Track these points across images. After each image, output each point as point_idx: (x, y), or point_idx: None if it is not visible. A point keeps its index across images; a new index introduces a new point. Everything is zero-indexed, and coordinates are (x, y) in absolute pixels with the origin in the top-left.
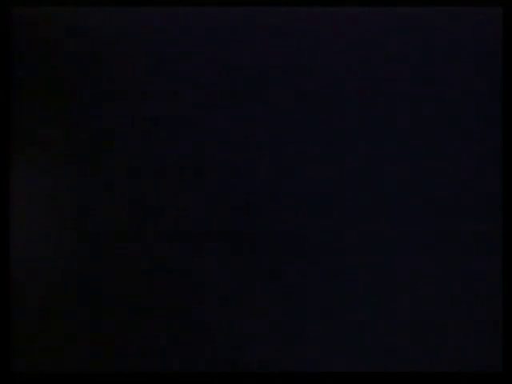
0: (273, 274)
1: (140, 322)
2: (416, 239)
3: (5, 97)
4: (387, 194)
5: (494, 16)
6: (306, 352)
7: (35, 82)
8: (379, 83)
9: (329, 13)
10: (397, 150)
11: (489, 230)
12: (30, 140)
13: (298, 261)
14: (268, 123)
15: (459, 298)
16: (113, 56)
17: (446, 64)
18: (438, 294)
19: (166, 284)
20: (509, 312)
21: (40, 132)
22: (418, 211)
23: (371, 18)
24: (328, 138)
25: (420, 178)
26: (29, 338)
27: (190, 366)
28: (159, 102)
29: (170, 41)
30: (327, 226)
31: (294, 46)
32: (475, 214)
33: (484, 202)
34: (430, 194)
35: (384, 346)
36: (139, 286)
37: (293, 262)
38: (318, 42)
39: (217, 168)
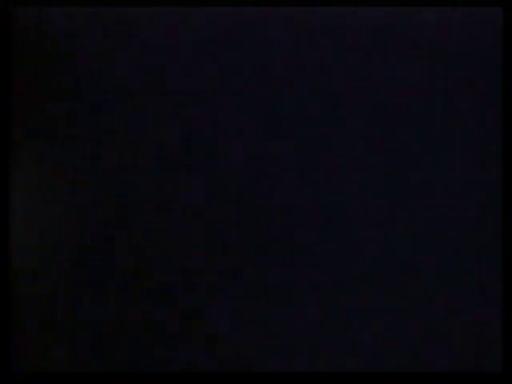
0: (271, 274)
1: (141, 323)
2: (416, 239)
3: (5, 97)
4: (387, 195)
5: (494, 16)
6: (306, 352)
7: (35, 81)
8: (379, 83)
9: (329, 13)
10: (396, 150)
11: (489, 230)
12: (30, 140)
13: (298, 261)
14: (268, 123)
15: (459, 297)
16: (113, 56)
17: (446, 64)
18: (438, 293)
19: (167, 285)
20: (509, 312)
21: (40, 132)
22: (417, 211)
23: (371, 17)
24: (327, 137)
25: (420, 178)
26: (29, 337)
27: (190, 366)
28: (159, 101)
29: (170, 41)
30: (327, 226)
31: (294, 46)
32: (475, 214)
33: (484, 202)
34: (430, 194)
35: (384, 346)
36: (140, 286)
37: (292, 263)
38: (318, 42)
39: (216, 168)
